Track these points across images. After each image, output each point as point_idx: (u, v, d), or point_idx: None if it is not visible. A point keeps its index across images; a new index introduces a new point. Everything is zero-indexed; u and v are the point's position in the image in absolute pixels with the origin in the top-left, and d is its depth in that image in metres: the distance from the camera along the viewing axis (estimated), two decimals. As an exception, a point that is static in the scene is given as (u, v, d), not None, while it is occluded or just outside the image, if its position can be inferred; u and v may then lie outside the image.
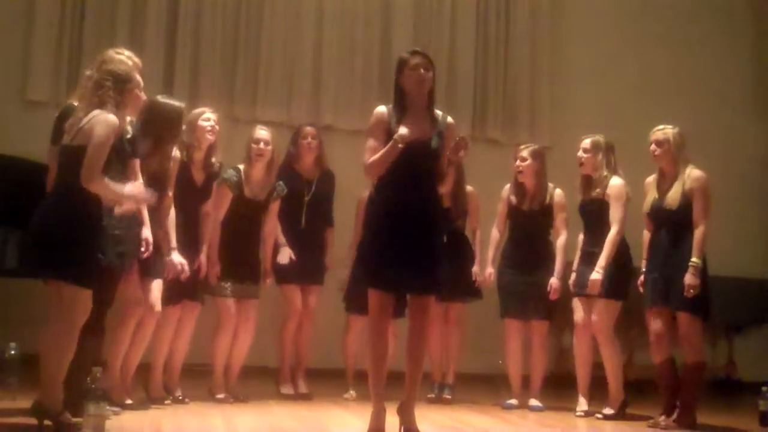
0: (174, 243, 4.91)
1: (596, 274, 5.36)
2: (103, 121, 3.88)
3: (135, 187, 4.14)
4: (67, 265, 3.83)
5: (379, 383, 4.14)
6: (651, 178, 5.31)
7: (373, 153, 4.10)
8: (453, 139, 4.18)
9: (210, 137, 5.21)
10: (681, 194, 5.08)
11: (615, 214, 5.44)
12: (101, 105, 3.96)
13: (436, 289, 4.22)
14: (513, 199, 5.85)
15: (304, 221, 5.79)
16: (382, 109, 4.21)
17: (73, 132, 3.93)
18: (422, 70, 4.16)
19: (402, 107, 4.18)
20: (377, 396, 4.14)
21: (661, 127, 5.24)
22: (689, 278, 4.94)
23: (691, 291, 4.93)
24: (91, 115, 3.91)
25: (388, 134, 4.09)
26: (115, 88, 4.02)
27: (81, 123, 3.91)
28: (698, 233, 5.02)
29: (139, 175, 4.44)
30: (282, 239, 5.67)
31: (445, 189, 5.12)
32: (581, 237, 5.65)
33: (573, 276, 5.61)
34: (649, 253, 5.26)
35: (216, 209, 5.37)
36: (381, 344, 4.14)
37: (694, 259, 4.97)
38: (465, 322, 5.99)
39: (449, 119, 4.25)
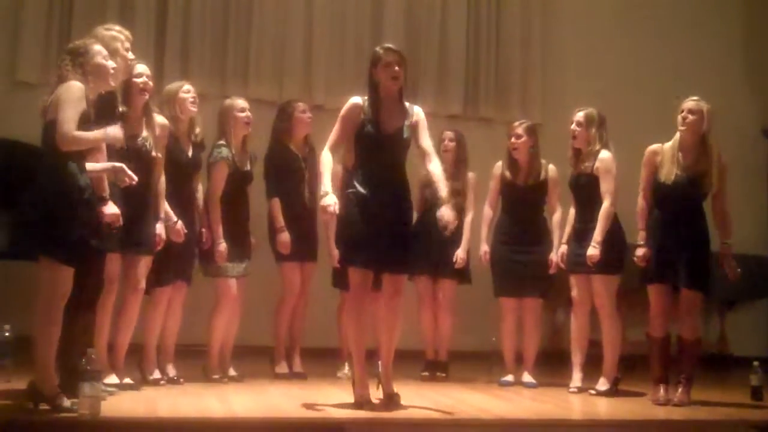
0: (162, 214, 4.91)
1: (593, 249, 5.33)
2: (65, 87, 3.91)
3: (112, 129, 4.01)
4: (48, 242, 3.81)
5: (361, 353, 4.46)
6: (659, 147, 5.14)
7: (336, 139, 4.50)
8: (424, 125, 4.53)
9: (192, 108, 5.21)
10: (713, 174, 5.03)
11: (606, 187, 5.40)
12: (62, 81, 3.96)
13: (407, 269, 4.67)
14: (507, 174, 5.83)
15: (307, 198, 5.76)
16: (357, 100, 4.51)
17: (45, 113, 3.95)
18: (396, 67, 4.46)
19: (376, 98, 4.48)
20: (360, 365, 4.44)
21: (695, 98, 5.09)
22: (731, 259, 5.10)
23: (739, 270, 5.07)
24: (56, 91, 3.94)
25: (358, 126, 4.45)
26: (73, 63, 4.01)
27: (47, 101, 3.94)
28: (728, 213, 5.12)
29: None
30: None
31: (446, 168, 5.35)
32: (572, 212, 5.64)
33: (565, 251, 5.61)
34: (660, 227, 5.10)
35: (214, 187, 5.35)
36: (362, 317, 4.48)
37: (729, 241, 5.11)
38: (455, 301, 5.99)
39: (416, 109, 4.58)
